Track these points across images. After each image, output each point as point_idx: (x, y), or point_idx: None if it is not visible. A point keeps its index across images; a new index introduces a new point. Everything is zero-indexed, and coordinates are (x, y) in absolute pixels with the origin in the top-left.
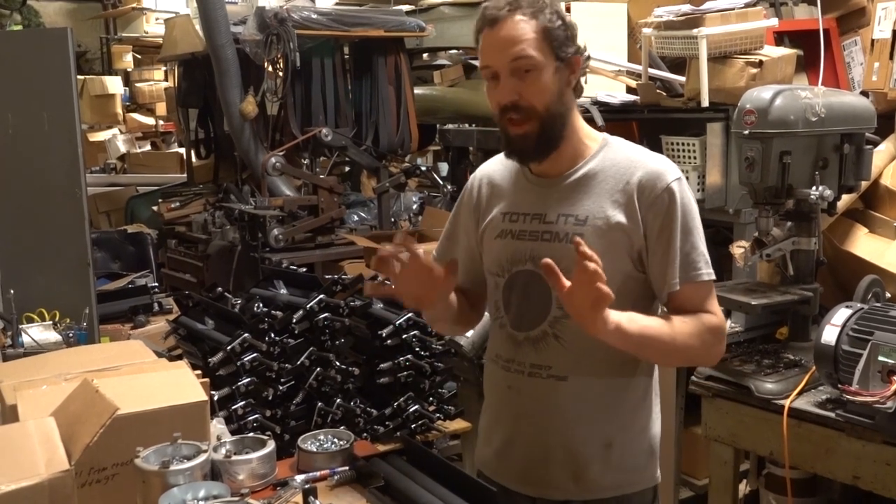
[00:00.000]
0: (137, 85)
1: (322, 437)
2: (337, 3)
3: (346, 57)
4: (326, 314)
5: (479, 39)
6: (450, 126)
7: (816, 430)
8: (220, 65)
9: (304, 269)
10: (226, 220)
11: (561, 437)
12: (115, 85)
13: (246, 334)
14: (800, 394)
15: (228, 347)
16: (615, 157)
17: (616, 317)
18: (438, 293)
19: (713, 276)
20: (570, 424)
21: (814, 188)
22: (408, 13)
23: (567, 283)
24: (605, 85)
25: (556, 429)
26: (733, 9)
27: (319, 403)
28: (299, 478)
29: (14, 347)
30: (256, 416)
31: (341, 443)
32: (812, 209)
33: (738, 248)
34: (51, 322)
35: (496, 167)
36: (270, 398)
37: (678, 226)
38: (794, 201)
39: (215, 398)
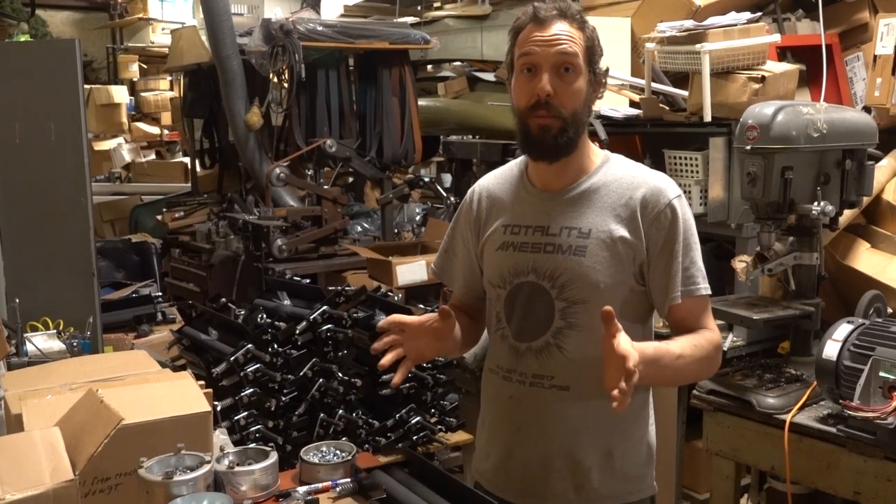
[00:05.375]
0: (143, 94)
1: (324, 448)
2: (342, 16)
3: (351, 68)
4: (329, 325)
5: (520, 35)
6: (453, 138)
7: (818, 445)
8: (225, 75)
9: (308, 280)
10: (229, 229)
11: (562, 447)
12: (120, 94)
13: (249, 345)
14: (801, 409)
15: (231, 358)
16: (617, 173)
17: (640, 367)
18: (442, 341)
19: (710, 291)
20: (572, 434)
21: (815, 203)
22: (412, 25)
23: (619, 329)
24: (609, 99)
25: (557, 438)
26: (736, 24)
27: (322, 414)
28: (301, 489)
29: (18, 356)
30: (259, 426)
31: (343, 454)
32: (814, 224)
33: (740, 263)
34: (55, 331)
35: (496, 180)
36: (273, 409)
37: (680, 241)
38: (795, 216)
39: (218, 409)
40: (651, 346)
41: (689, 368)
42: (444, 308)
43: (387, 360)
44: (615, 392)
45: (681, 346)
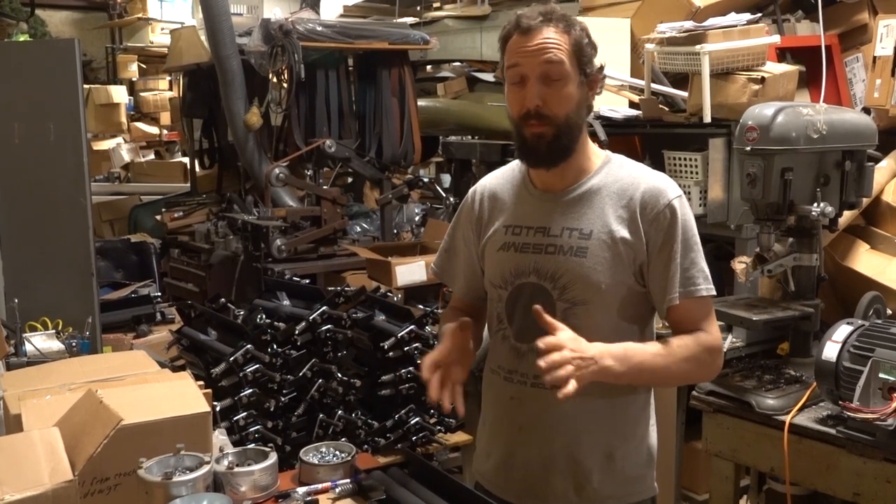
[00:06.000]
0: (142, 94)
1: (324, 449)
2: (342, 16)
3: (351, 69)
4: (329, 326)
5: (508, 44)
6: (453, 138)
7: (817, 447)
8: (224, 75)
9: (307, 280)
10: (229, 230)
11: (563, 448)
12: (119, 94)
13: (248, 345)
14: (801, 410)
15: (231, 358)
16: (618, 174)
17: (606, 362)
18: (466, 360)
19: (713, 292)
20: (573, 434)
21: (815, 204)
22: (412, 26)
23: (557, 326)
24: (608, 100)
25: (558, 439)
26: (736, 25)
27: (321, 415)
28: (301, 490)
29: (17, 356)
30: (258, 427)
31: (343, 455)
32: (813, 225)
33: (740, 264)
34: (54, 331)
35: (497, 181)
36: (272, 409)
37: (679, 242)
38: (795, 217)
39: (217, 409)
40: (619, 345)
41: (674, 368)
42: (465, 320)
43: (447, 403)
44: (546, 378)
45: (661, 344)
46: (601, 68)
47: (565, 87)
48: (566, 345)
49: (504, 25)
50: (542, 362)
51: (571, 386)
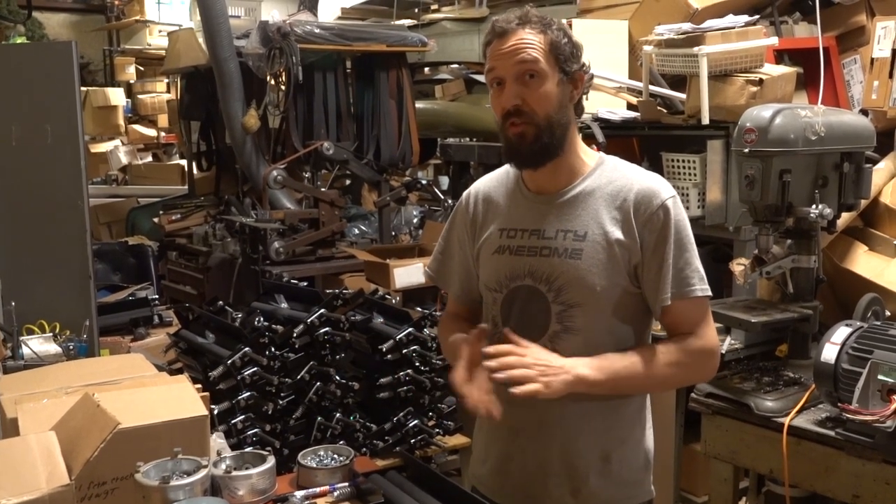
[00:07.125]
0: (140, 97)
1: (322, 452)
2: (339, 18)
3: (349, 71)
4: (327, 329)
5: (488, 51)
6: (451, 140)
7: (816, 449)
8: (222, 78)
9: (305, 283)
10: (227, 232)
11: (559, 451)
12: (117, 96)
13: (246, 348)
14: (799, 412)
15: (229, 361)
16: (611, 175)
17: (581, 370)
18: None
19: (708, 292)
20: (569, 438)
21: (814, 206)
22: (410, 28)
23: (525, 344)
24: (606, 101)
25: (554, 442)
26: (734, 27)
27: (319, 418)
28: (299, 494)
29: (14, 359)
30: (256, 430)
31: (341, 459)
32: (812, 227)
33: (738, 266)
34: (51, 334)
35: (491, 184)
36: (270, 412)
37: (671, 243)
38: (793, 219)
39: (215, 412)
40: (599, 356)
41: (657, 374)
42: (482, 328)
43: (485, 410)
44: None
45: (642, 352)
46: (584, 66)
47: (543, 85)
48: (526, 354)
49: (486, 33)
50: (492, 363)
51: (531, 387)
